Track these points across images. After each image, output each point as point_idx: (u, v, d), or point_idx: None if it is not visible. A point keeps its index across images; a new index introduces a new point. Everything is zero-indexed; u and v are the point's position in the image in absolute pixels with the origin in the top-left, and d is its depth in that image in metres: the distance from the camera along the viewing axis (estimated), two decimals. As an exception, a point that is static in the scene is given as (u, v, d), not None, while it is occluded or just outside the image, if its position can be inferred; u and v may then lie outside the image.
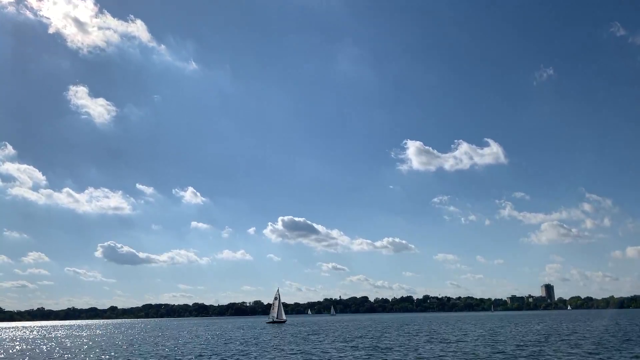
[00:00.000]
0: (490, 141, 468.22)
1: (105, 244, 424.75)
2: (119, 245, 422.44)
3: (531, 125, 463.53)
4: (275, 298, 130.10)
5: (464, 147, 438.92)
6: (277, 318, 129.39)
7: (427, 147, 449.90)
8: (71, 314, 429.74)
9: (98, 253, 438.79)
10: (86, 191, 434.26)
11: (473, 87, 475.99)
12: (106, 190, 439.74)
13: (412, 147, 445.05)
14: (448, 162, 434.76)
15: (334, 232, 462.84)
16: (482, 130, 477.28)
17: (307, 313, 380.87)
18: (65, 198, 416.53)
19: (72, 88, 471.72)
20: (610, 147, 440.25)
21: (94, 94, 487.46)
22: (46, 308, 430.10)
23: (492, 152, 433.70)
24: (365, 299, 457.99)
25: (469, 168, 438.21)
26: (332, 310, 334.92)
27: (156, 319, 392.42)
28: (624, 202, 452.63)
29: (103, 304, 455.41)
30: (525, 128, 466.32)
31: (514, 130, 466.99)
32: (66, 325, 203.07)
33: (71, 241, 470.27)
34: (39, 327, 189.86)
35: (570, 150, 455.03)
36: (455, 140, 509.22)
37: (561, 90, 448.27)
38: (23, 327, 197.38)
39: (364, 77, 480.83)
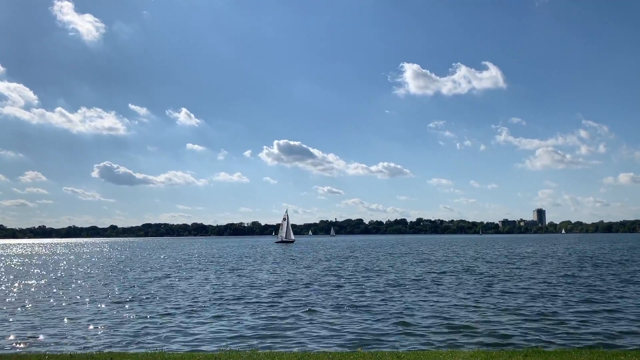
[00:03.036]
0: (490, 64, 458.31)
1: (101, 164, 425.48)
2: (115, 166, 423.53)
3: (531, 49, 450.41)
4: (284, 219, 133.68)
5: (463, 70, 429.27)
6: (285, 238, 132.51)
7: (424, 70, 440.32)
8: (72, 232, 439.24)
9: (94, 173, 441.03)
10: (79, 111, 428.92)
11: (473, 7, 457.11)
12: (99, 110, 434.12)
13: (409, 70, 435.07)
14: (446, 86, 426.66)
15: (330, 156, 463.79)
16: (481, 53, 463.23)
17: (303, 234, 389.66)
18: (58, 118, 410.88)
19: (57, 3, 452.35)
20: (609, 73, 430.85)
21: (79, 9, 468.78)
22: (47, 226, 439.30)
23: (490, 76, 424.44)
24: (360, 221, 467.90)
25: (466, 92, 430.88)
26: (332, 231, 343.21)
27: (157, 237, 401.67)
28: (620, 128, 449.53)
29: (103, 223, 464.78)
30: (524, 52, 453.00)
31: (513, 53, 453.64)
32: (72, 243, 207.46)
33: (67, 161, 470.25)
34: (46, 244, 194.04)
35: (570, 75, 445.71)
36: (454, 64, 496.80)
37: (562, 13, 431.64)
38: (29, 244, 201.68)
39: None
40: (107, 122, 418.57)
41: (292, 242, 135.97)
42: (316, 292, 26.44)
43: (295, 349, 13.57)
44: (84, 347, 14.31)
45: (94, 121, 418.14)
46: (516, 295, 24.27)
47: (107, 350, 13.68)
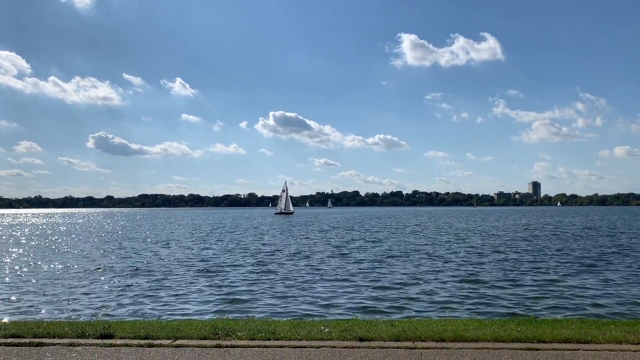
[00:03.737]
0: (488, 36, 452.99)
1: (97, 134, 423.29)
2: (110, 136, 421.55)
3: (530, 20, 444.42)
4: (283, 190, 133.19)
5: (461, 41, 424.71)
6: (284, 209, 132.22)
7: (422, 41, 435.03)
8: (68, 202, 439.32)
9: (90, 144, 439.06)
10: (73, 80, 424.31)
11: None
12: (93, 79, 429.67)
13: (407, 40, 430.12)
14: (444, 57, 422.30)
15: (326, 128, 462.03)
16: (479, 24, 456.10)
17: (299, 205, 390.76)
18: (51, 87, 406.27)
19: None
20: (608, 46, 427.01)
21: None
22: (43, 197, 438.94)
23: (489, 47, 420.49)
24: (356, 193, 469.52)
25: (464, 64, 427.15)
26: (329, 203, 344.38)
27: (154, 208, 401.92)
28: (617, 101, 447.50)
29: (99, 194, 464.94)
30: (523, 23, 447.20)
31: (512, 25, 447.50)
32: (68, 213, 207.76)
33: (62, 131, 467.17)
34: (44, 214, 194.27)
35: (568, 48, 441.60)
36: (452, 35, 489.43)
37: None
38: (26, 214, 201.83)
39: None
40: (101, 91, 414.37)
41: (291, 213, 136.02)
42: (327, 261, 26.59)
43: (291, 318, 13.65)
44: (80, 316, 14.36)
45: (88, 91, 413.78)
46: (509, 265, 24.47)
47: (104, 317, 13.72)
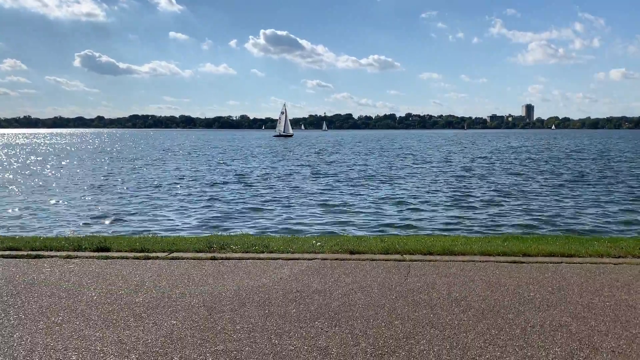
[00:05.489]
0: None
1: (83, 53, 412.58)
2: (97, 55, 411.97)
3: None
4: (282, 112, 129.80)
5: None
6: (284, 132, 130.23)
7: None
8: (58, 122, 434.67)
9: (76, 62, 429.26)
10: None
11: None
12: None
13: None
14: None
15: (319, 48, 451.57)
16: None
17: (294, 128, 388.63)
18: (32, 2, 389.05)
19: None
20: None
21: None
22: (32, 116, 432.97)
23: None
24: (349, 116, 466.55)
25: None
26: (324, 126, 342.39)
27: (145, 129, 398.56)
28: (616, 22, 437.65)
29: (89, 114, 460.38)
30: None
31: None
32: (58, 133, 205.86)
33: (47, 49, 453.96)
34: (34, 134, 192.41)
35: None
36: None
37: None
38: (16, 134, 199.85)
39: None
40: (84, 7, 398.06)
41: (291, 136, 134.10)
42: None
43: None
44: (74, 232, 14.60)
45: (71, 6, 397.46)
46: (492, 186, 24.88)
47: (98, 234, 13.97)
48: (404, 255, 7.73)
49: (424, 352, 4.37)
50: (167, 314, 5.25)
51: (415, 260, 7.47)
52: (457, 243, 8.61)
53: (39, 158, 51.09)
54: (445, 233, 14.40)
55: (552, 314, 5.27)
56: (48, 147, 77.10)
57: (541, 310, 5.36)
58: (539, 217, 16.85)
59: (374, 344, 4.54)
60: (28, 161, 46.06)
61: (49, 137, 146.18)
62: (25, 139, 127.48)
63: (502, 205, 19.25)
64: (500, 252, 7.89)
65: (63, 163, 43.44)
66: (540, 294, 5.90)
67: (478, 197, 21.51)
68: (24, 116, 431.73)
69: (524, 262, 7.38)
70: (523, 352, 4.35)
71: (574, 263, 7.36)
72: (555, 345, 4.50)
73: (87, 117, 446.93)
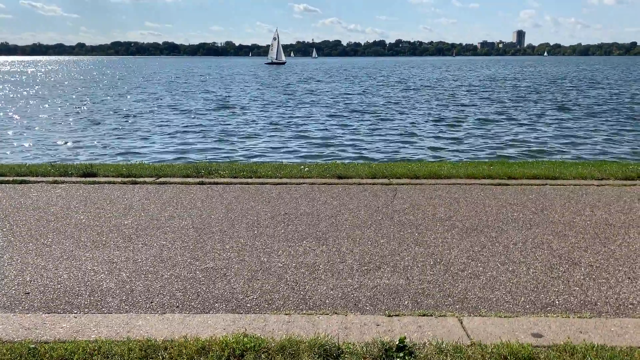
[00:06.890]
0: None
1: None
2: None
3: None
4: (274, 39, 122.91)
5: None
6: (276, 59, 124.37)
7: None
8: (37, 49, 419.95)
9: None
10: None
11: None
12: None
13: None
14: None
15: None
16: None
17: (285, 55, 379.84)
18: None
19: None
20: None
21: None
22: (10, 43, 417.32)
23: None
24: (338, 42, 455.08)
25: None
26: (314, 53, 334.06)
27: (128, 56, 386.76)
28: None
29: (70, 41, 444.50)
30: None
31: None
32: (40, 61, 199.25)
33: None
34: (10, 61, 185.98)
35: None
36: None
37: None
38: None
39: None
40: None
41: (284, 63, 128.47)
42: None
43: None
44: (62, 159, 14.46)
45: None
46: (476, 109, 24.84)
47: (86, 161, 13.86)
48: (391, 180, 7.79)
49: (408, 267, 4.50)
50: (156, 236, 5.31)
51: (402, 184, 7.54)
52: (444, 167, 8.68)
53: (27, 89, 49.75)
54: (432, 160, 14.50)
55: (535, 232, 5.41)
56: (40, 76, 74.92)
57: (524, 229, 5.50)
58: (524, 144, 16.99)
59: (360, 260, 4.66)
60: (10, 92, 44.85)
61: (32, 65, 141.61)
62: (6, 67, 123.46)
63: (490, 136, 19.32)
64: (486, 175, 7.97)
65: (46, 92, 42.39)
66: (523, 214, 6.03)
67: (465, 127, 21.51)
68: (1, 42, 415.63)
69: (508, 185, 7.49)
70: (505, 267, 4.50)
71: (558, 185, 7.48)
72: (536, 260, 4.65)
73: (67, 44, 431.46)
